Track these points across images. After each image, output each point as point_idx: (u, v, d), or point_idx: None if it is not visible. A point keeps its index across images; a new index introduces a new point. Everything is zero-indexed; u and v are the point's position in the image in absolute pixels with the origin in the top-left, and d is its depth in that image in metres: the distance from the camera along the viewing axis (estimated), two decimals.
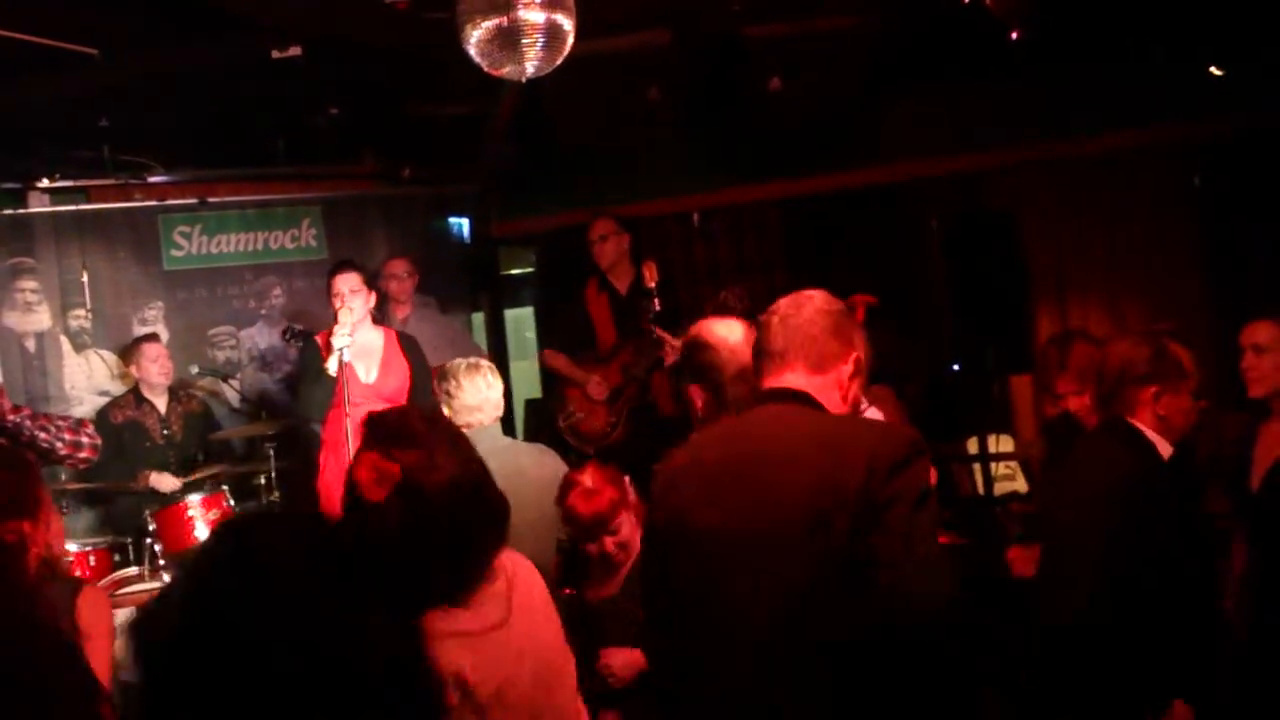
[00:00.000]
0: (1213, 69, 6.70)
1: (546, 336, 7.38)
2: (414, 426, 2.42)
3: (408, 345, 6.19)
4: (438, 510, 2.31)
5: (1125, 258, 7.40)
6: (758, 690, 2.37)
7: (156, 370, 6.58)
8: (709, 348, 3.33)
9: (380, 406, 5.66)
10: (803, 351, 2.62)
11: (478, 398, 4.43)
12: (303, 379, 6.07)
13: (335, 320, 5.73)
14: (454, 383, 4.44)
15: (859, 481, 2.30)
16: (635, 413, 6.73)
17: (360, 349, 5.83)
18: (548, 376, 7.51)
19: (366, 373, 5.93)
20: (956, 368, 7.20)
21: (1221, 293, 7.08)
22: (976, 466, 6.39)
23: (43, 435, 5.17)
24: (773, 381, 2.64)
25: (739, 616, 2.40)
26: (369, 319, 6.01)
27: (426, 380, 6.11)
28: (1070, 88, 7.05)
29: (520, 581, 2.52)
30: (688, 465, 2.65)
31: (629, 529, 3.93)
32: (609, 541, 3.92)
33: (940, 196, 7.79)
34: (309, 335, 6.74)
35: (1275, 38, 6.10)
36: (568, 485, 3.99)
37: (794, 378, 2.61)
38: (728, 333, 3.34)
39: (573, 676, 2.62)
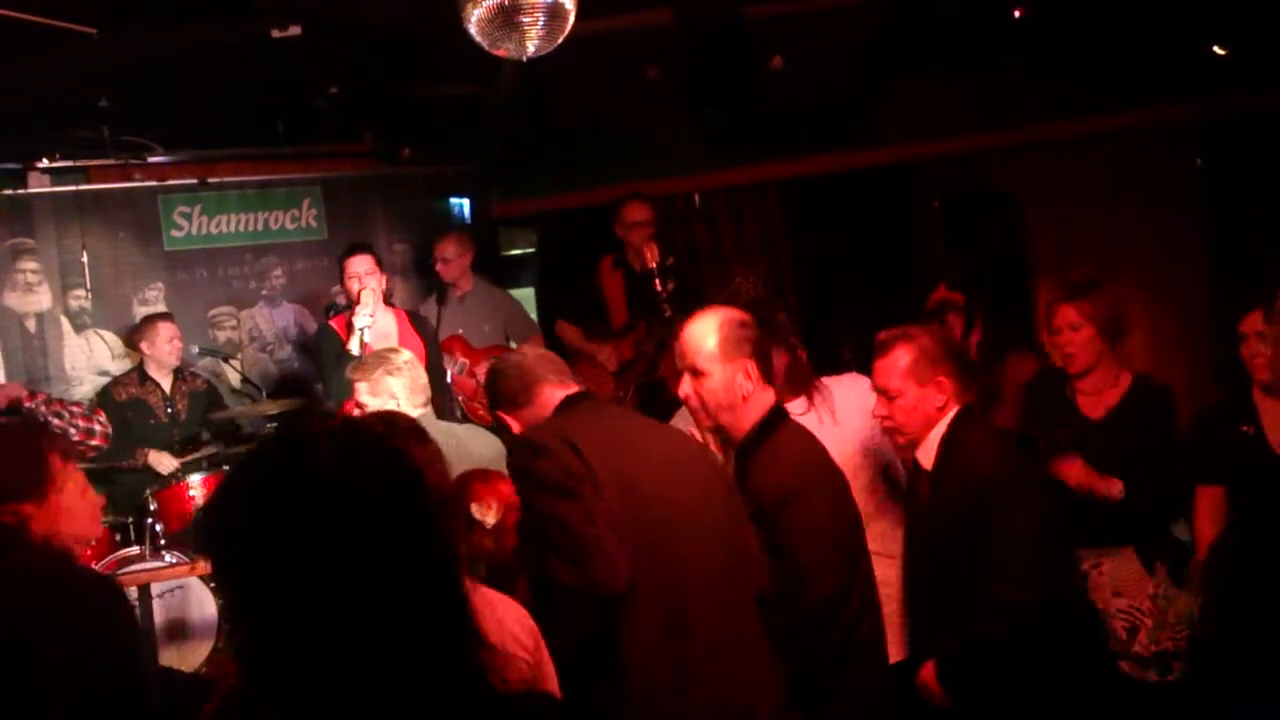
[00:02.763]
0: (1216, 49, 6.68)
1: (556, 311, 7.37)
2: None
3: (419, 324, 6.44)
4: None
5: (1127, 238, 7.39)
6: None
7: (170, 349, 6.60)
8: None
9: None
10: None
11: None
12: (324, 363, 6.29)
13: (356, 300, 5.97)
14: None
15: None
16: (642, 388, 6.73)
17: (378, 331, 5.99)
18: (556, 347, 7.53)
19: None
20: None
21: (1224, 274, 7.07)
22: None
23: (56, 422, 5.28)
24: None
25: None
26: (382, 301, 6.17)
27: (438, 358, 6.30)
28: (1073, 67, 7.03)
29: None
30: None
31: None
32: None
33: (942, 177, 7.79)
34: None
35: (1278, 17, 6.08)
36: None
37: None
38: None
39: None
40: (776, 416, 3.38)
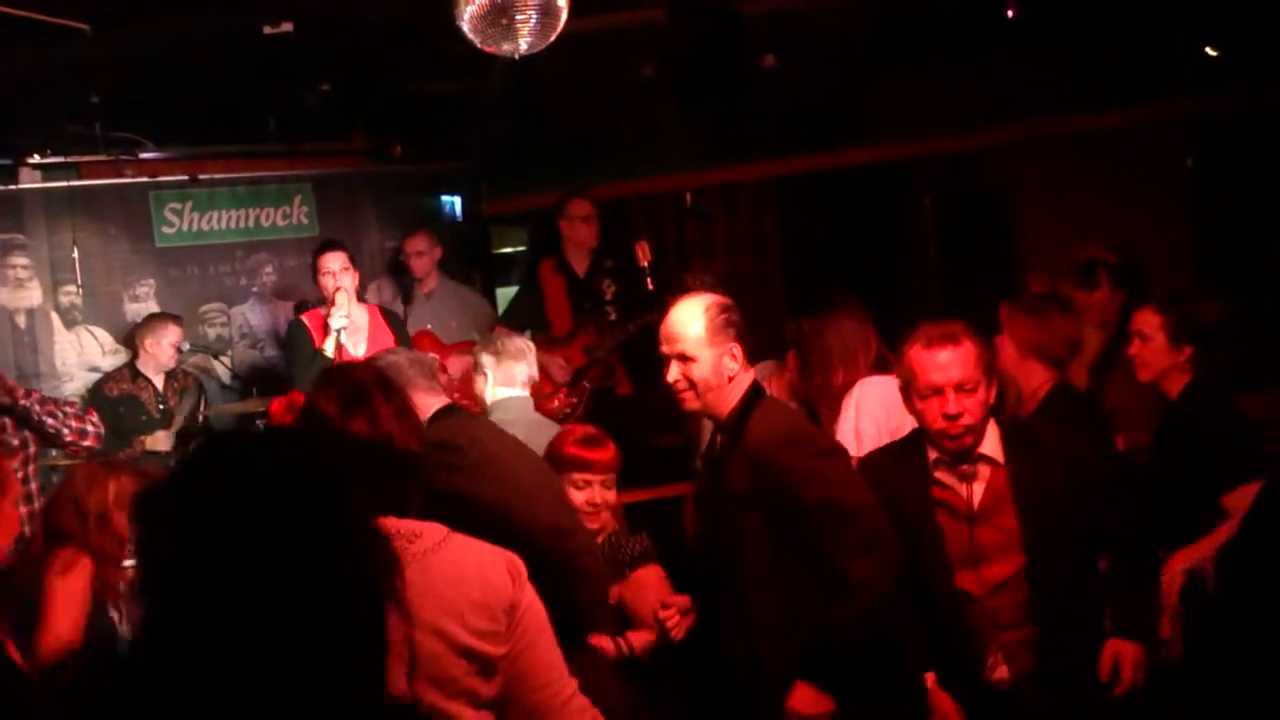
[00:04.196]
0: (1207, 48, 6.70)
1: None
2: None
3: (391, 320, 6.42)
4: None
5: (1117, 236, 7.40)
6: None
7: (171, 354, 6.59)
8: None
9: None
10: None
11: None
12: (296, 359, 6.19)
13: (330, 300, 5.94)
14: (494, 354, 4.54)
15: None
16: (596, 394, 6.71)
17: (351, 327, 6.02)
18: None
19: (355, 348, 6.05)
20: None
21: (1213, 272, 7.09)
22: None
23: (50, 421, 5.28)
24: None
25: None
26: (354, 296, 6.15)
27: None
28: (1064, 66, 7.05)
29: (442, 556, 2.33)
30: None
31: (615, 496, 4.05)
32: (601, 494, 3.99)
33: (934, 176, 7.80)
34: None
35: (1269, 16, 6.10)
36: (566, 435, 4.09)
37: None
38: None
39: (485, 663, 2.34)
40: (758, 393, 3.51)
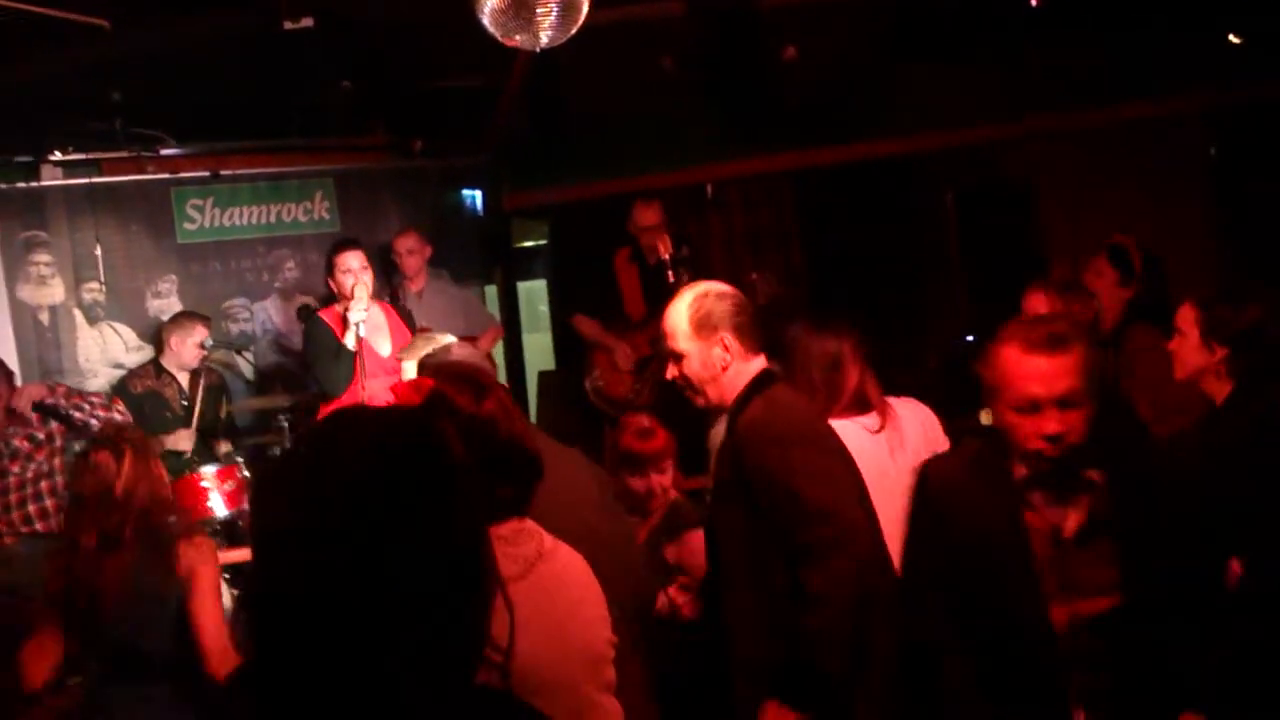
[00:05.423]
0: (1230, 38, 6.66)
1: (570, 304, 7.41)
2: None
3: (406, 318, 6.44)
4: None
5: (1140, 228, 7.36)
6: None
7: (195, 353, 6.58)
8: None
9: (394, 379, 5.88)
10: None
11: None
12: (319, 356, 6.15)
13: (350, 296, 5.93)
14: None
15: None
16: (660, 385, 6.75)
17: (371, 324, 5.99)
18: (563, 346, 7.56)
19: (379, 346, 6.08)
20: (971, 339, 7.19)
21: (1237, 262, 7.05)
22: None
23: (77, 414, 5.35)
24: None
25: None
26: (371, 294, 6.14)
27: None
28: (1087, 57, 7.01)
29: (558, 561, 2.49)
30: None
31: (671, 477, 4.25)
32: (655, 479, 4.18)
33: (956, 168, 7.77)
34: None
35: None
36: (624, 429, 4.36)
37: None
38: None
39: (607, 668, 2.50)
40: (765, 379, 3.35)
